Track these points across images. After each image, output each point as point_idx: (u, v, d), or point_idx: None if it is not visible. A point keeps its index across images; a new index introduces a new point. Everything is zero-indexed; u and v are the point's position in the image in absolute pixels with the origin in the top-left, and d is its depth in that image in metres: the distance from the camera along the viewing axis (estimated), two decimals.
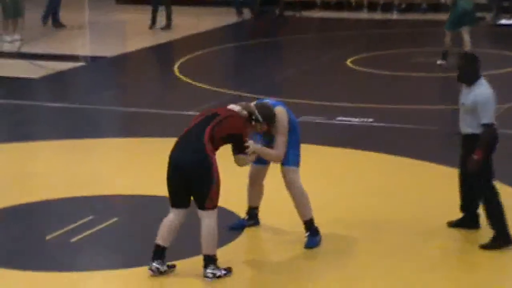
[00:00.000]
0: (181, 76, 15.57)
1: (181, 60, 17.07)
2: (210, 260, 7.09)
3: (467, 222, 8.09)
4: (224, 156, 7.47)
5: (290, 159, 7.68)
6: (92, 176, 9.95)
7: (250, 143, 7.37)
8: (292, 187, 7.70)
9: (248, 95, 13.99)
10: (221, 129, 7.11)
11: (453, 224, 8.13)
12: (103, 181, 9.73)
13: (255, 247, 8.14)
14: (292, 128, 7.67)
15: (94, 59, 18.00)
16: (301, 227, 7.83)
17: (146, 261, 7.31)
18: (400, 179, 9.77)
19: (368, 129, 11.93)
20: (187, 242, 7.51)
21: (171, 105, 13.41)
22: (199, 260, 7.22)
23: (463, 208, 8.10)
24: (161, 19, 20.74)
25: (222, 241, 7.58)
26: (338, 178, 9.86)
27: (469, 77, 7.63)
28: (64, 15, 21.67)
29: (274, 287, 7.17)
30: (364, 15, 22.71)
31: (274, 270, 7.47)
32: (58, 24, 20.76)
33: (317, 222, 7.89)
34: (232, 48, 19.51)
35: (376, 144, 10.99)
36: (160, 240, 7.13)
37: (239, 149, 7.32)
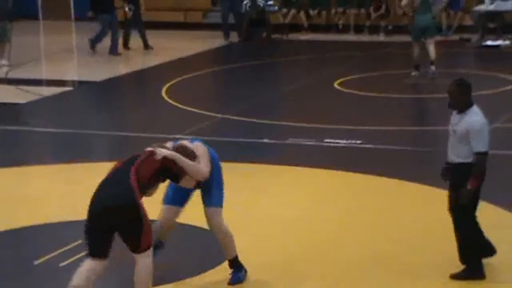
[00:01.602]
0: (169, 100, 15.58)
1: (169, 83, 17.08)
2: None
3: (471, 273, 7.55)
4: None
5: (214, 200, 7.45)
6: (81, 200, 9.85)
7: (161, 150, 7.03)
8: (219, 231, 7.52)
9: (236, 117, 14.01)
10: (146, 168, 6.82)
11: (454, 277, 7.58)
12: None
13: None
14: (214, 165, 7.37)
15: (81, 83, 18.00)
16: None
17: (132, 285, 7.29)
18: (390, 200, 9.78)
19: (357, 151, 11.95)
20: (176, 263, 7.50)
21: (160, 128, 13.40)
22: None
23: (463, 258, 7.61)
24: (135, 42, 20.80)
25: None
26: (327, 200, 9.86)
27: (461, 104, 7.43)
28: (51, 39, 21.65)
29: None
30: (351, 37, 22.81)
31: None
32: (115, 51, 20.46)
33: (308, 245, 7.87)
34: (220, 71, 19.55)
35: (364, 166, 11.00)
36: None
37: (174, 178, 7.10)
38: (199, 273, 7.83)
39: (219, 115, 14.22)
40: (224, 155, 11.83)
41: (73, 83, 18.23)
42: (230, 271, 7.66)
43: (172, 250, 8.04)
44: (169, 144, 7.24)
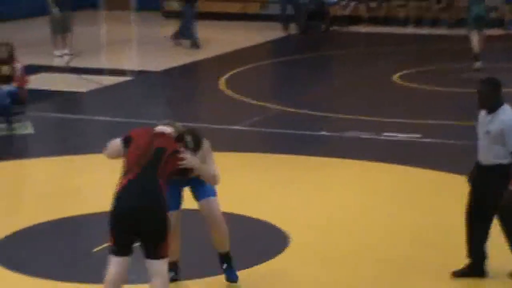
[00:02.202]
0: (226, 91, 15.61)
1: (227, 74, 17.12)
2: None
3: (475, 269, 7.43)
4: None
5: (211, 190, 7.24)
6: None
7: (188, 157, 6.76)
8: (221, 220, 7.27)
9: (293, 110, 13.98)
10: (169, 168, 6.59)
11: (458, 274, 7.46)
12: None
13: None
14: None
15: (141, 73, 18.14)
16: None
17: (190, 274, 7.33)
18: (450, 196, 9.66)
19: (415, 145, 11.84)
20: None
21: (216, 119, 13.44)
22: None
23: (471, 252, 7.43)
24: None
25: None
26: (383, 194, 9.79)
27: (492, 103, 7.22)
28: (111, 30, 21.86)
29: None
30: (411, 30, 22.59)
31: None
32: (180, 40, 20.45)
33: (362, 240, 7.82)
34: (277, 63, 19.52)
35: (423, 160, 10.89)
36: None
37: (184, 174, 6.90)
38: (255, 264, 7.84)
39: (277, 107, 14.20)
40: (281, 147, 11.95)
41: (132, 72, 18.39)
42: (223, 266, 7.37)
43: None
44: (178, 124, 6.96)
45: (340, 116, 13.58)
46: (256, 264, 7.82)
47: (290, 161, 11.20)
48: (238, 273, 7.47)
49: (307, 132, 12.69)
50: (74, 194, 10.04)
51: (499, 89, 7.26)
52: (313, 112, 13.83)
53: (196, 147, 6.90)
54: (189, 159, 6.72)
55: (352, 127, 12.67)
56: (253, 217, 9.01)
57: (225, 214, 8.91)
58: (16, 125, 12.80)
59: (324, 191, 9.97)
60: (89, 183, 10.40)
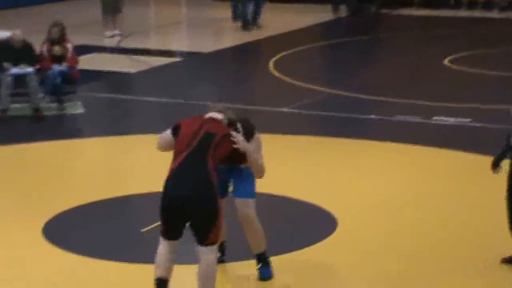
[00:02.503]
0: (276, 73, 15.58)
1: (277, 56, 17.07)
2: None
3: None
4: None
5: (250, 190, 7.01)
6: None
7: (241, 139, 6.63)
8: (256, 223, 7.06)
9: (342, 93, 13.91)
10: (220, 152, 6.51)
11: (508, 260, 7.36)
12: None
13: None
14: None
15: (190, 54, 18.18)
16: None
17: (238, 257, 7.35)
18: (498, 180, 9.54)
19: (465, 129, 11.71)
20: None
21: (265, 101, 13.42)
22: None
23: None
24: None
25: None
26: (435, 179, 9.71)
27: None
28: (161, 11, 21.91)
29: None
30: (463, 13, 22.30)
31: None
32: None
33: (415, 228, 7.76)
34: (327, 45, 19.42)
35: (474, 145, 10.77)
36: (164, 272, 6.54)
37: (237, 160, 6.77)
38: (304, 247, 7.83)
39: (325, 90, 14.14)
40: (329, 130, 11.90)
41: (181, 54, 18.44)
42: (258, 265, 7.18)
43: (278, 223, 8.08)
44: (230, 112, 6.83)
45: (390, 99, 13.47)
46: (301, 247, 7.80)
47: (338, 144, 11.15)
48: (282, 256, 7.46)
49: (356, 116, 12.61)
50: (123, 174, 10.11)
51: None
52: (362, 96, 13.75)
53: (247, 136, 6.78)
54: (242, 141, 6.62)
55: (402, 111, 12.57)
56: (301, 199, 9.00)
57: (272, 196, 8.94)
58: (66, 104, 12.92)
59: (373, 175, 9.91)
60: (138, 163, 10.46)
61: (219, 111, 6.79)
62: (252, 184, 7.02)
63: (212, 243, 6.44)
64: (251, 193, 7.02)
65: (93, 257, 7.65)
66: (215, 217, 6.38)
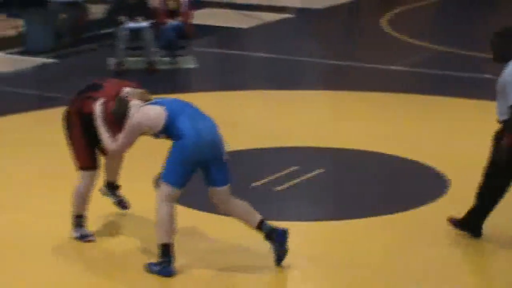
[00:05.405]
0: (388, 30, 15.39)
1: (390, 13, 16.85)
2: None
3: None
4: None
5: (164, 173, 6.42)
6: (296, 127, 10.07)
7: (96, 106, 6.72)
8: (159, 207, 6.45)
9: (454, 50, 13.64)
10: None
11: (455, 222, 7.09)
12: (307, 133, 9.83)
13: None
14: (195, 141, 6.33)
15: (302, 10, 18.11)
16: None
17: (350, 214, 7.36)
18: None
19: None
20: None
21: (374, 59, 13.29)
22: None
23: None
24: None
25: None
26: None
27: (500, 56, 6.67)
28: None
29: None
30: None
31: None
32: None
33: None
34: (443, 1, 19.02)
35: None
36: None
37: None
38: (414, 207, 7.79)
39: (439, 48, 13.90)
40: (441, 89, 11.70)
41: (294, 9, 18.38)
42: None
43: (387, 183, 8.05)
44: (129, 90, 6.76)
45: None
46: (412, 207, 7.75)
47: (450, 104, 10.98)
48: (392, 216, 7.38)
49: (470, 75, 12.37)
50: (233, 129, 10.20)
51: (510, 41, 6.68)
52: (478, 54, 13.45)
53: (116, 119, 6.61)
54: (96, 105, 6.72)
55: None
56: (412, 158, 8.92)
57: (383, 155, 8.88)
58: (179, 59, 13.10)
59: (486, 136, 9.71)
60: (248, 119, 10.55)
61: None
62: (168, 167, 6.39)
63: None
64: (164, 176, 6.41)
65: (201, 210, 7.75)
66: None
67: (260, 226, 6.55)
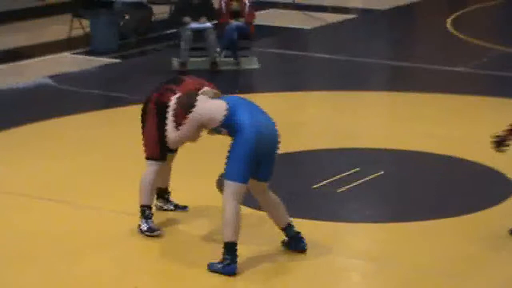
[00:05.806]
0: (453, 32, 15.22)
1: (454, 14, 16.67)
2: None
3: None
4: None
5: (229, 171, 6.45)
6: (358, 129, 10.03)
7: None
8: (226, 207, 6.48)
9: None
10: None
11: None
12: (368, 134, 9.78)
13: None
14: (241, 135, 6.37)
15: (365, 11, 18.02)
16: None
17: (412, 216, 7.29)
18: None
19: None
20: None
21: (439, 60, 13.16)
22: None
23: None
24: None
25: None
26: None
27: None
28: None
29: None
30: None
31: None
32: None
33: None
34: (507, 2, 18.74)
35: None
36: None
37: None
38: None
39: (505, 49, 13.70)
40: (507, 91, 11.52)
41: (357, 10, 18.30)
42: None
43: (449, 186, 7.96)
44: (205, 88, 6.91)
45: None
46: (476, 211, 7.65)
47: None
48: (455, 218, 7.30)
49: None
50: (296, 130, 10.20)
51: None
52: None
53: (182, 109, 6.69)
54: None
55: None
56: (476, 161, 8.80)
57: (446, 157, 8.76)
58: (242, 59, 13.14)
59: None
60: (310, 120, 10.53)
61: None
62: (232, 164, 6.42)
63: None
64: (229, 174, 6.43)
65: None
66: None
67: (285, 229, 6.76)
